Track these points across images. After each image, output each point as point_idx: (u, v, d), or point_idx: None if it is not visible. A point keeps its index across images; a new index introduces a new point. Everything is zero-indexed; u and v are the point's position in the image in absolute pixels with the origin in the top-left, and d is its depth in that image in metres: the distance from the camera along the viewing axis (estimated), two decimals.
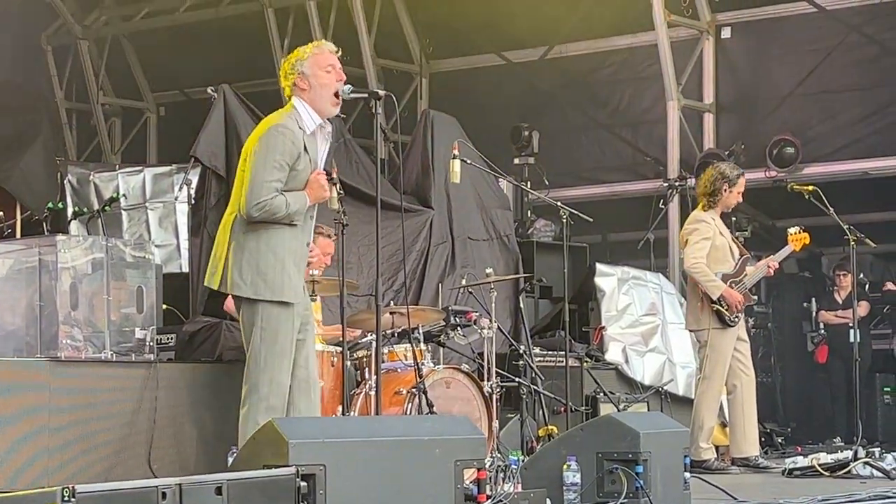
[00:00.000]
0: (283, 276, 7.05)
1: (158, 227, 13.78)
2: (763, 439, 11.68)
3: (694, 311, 10.48)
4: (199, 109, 12.90)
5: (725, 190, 10.43)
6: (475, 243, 11.92)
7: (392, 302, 9.89)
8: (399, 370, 8.81)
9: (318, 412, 7.31)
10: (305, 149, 7.08)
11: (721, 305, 10.20)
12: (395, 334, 9.06)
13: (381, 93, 7.31)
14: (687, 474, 7.83)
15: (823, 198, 10.78)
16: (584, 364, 11.66)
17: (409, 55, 17.09)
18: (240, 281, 7.07)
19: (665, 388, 12.26)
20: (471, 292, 10.32)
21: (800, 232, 10.73)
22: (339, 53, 7.35)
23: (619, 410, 10.99)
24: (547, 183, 14.64)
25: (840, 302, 14.35)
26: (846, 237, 10.90)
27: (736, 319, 10.27)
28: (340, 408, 8.12)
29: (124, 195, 13.54)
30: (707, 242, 10.34)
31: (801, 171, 14.35)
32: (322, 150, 7.28)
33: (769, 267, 10.56)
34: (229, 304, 9.00)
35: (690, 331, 10.89)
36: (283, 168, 7.01)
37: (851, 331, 12.31)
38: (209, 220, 9.85)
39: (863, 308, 13.64)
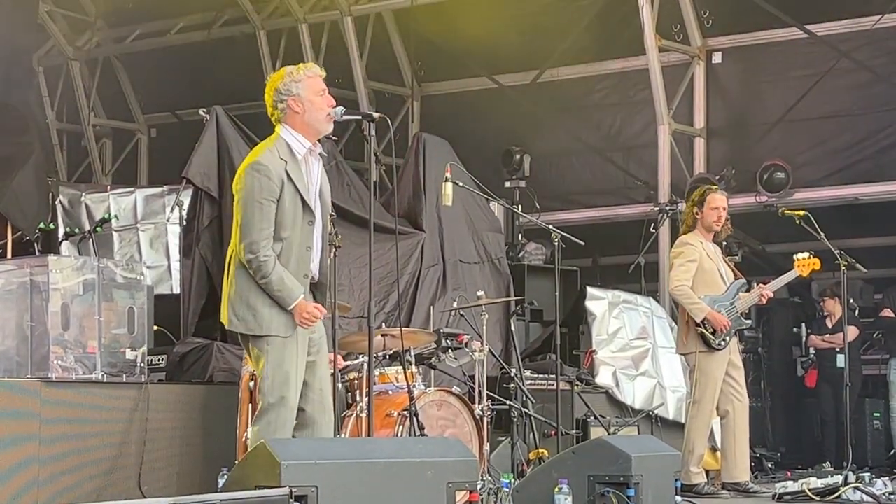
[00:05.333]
0: (272, 311, 7.02)
1: (149, 248, 13.78)
2: (753, 464, 11.67)
3: (682, 334, 10.47)
4: (190, 131, 12.91)
5: (697, 213, 10.42)
6: (466, 266, 11.93)
7: (384, 324, 9.89)
8: (390, 392, 8.81)
9: (330, 435, 7.27)
10: (289, 177, 7.03)
11: (705, 328, 10.17)
12: (387, 356, 9.06)
13: (376, 115, 7.29)
14: (678, 498, 7.85)
15: (814, 223, 10.79)
16: (575, 387, 11.66)
17: (401, 78, 17.11)
18: (233, 317, 7.09)
19: (655, 411, 12.26)
20: (462, 315, 10.32)
21: (810, 257, 10.69)
22: (324, 75, 7.33)
23: (609, 434, 10.99)
24: (538, 206, 14.64)
25: (830, 327, 14.36)
26: (837, 262, 10.91)
27: (722, 343, 10.22)
28: None
29: (115, 216, 13.53)
30: (692, 265, 10.31)
31: (792, 197, 14.36)
32: (315, 171, 7.23)
33: (762, 295, 10.51)
34: None
35: (680, 354, 10.89)
36: (268, 205, 6.99)
37: (840, 356, 12.35)
38: (201, 242, 9.85)
39: (851, 332, 13.66)
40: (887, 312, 13.82)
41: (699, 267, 10.32)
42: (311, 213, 7.13)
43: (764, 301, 10.65)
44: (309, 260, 7.14)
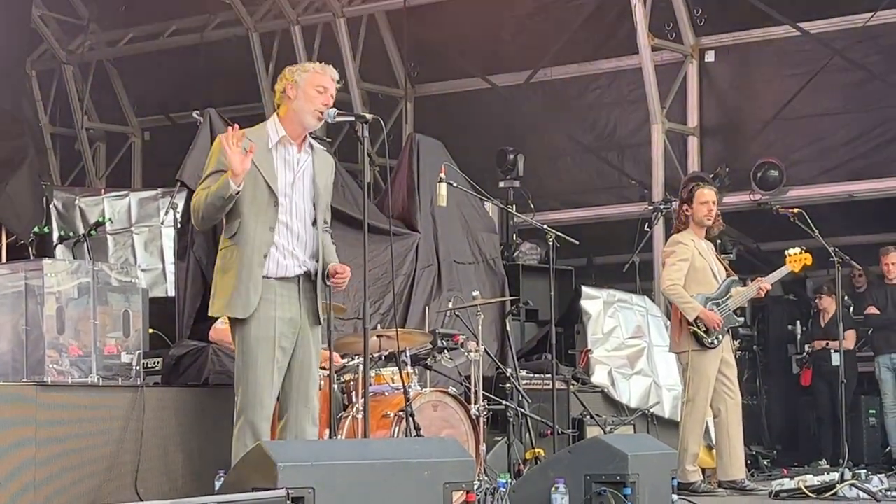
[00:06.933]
0: (233, 293, 7.08)
1: (144, 251, 13.78)
2: (749, 462, 11.68)
3: (675, 333, 10.48)
4: (183, 134, 12.91)
5: (687, 210, 10.42)
6: (461, 266, 11.91)
7: (379, 325, 9.88)
8: (386, 393, 8.79)
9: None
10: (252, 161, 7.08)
11: (698, 327, 10.17)
12: (382, 357, 9.05)
13: (369, 116, 7.30)
14: (675, 496, 7.85)
15: (809, 220, 10.80)
16: (571, 387, 11.67)
17: (394, 79, 17.12)
18: (212, 301, 7.26)
19: (651, 410, 12.26)
20: (457, 315, 10.31)
21: (801, 252, 10.70)
22: (340, 84, 7.37)
23: (605, 433, 11.00)
24: (532, 206, 14.64)
25: (822, 325, 14.34)
26: (831, 260, 10.92)
27: (715, 342, 10.22)
28: (328, 431, 8.12)
29: (110, 219, 13.53)
30: (684, 264, 10.31)
31: (786, 194, 14.39)
32: (301, 161, 7.26)
33: (760, 288, 10.53)
34: (213, 333, 9.07)
35: (673, 353, 10.89)
36: (217, 173, 7.06)
37: (835, 354, 12.35)
38: (196, 244, 9.83)
39: (850, 339, 13.70)
40: (872, 310, 13.81)
41: (691, 265, 10.33)
42: (274, 195, 7.14)
43: (762, 294, 10.67)
44: (271, 239, 7.14)
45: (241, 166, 6.92)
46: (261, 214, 7.12)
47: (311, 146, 7.32)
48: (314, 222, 7.27)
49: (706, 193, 10.43)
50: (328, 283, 7.35)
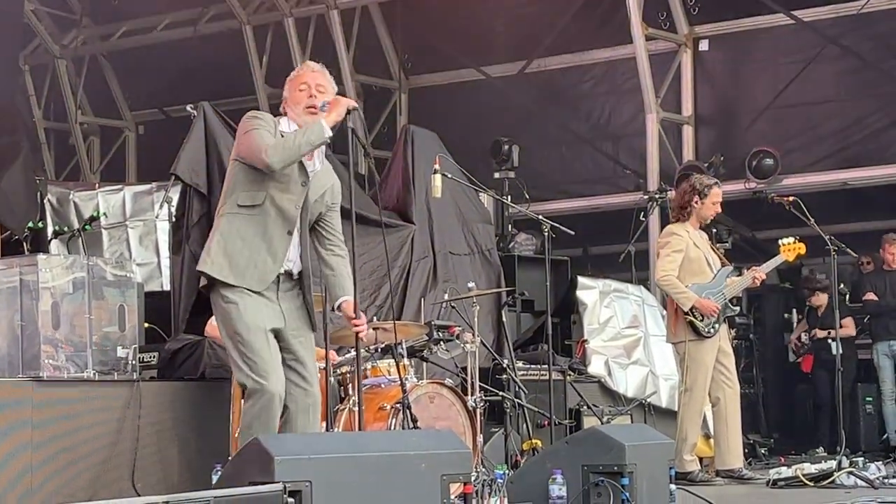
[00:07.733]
0: (249, 263, 6.95)
1: (139, 245, 13.75)
2: (746, 450, 11.68)
3: (671, 323, 10.48)
4: (177, 127, 12.88)
5: (696, 202, 10.39)
6: (457, 258, 11.90)
7: (375, 317, 9.87)
8: (383, 385, 8.79)
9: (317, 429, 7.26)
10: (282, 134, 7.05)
11: (694, 316, 10.18)
12: (379, 349, 9.04)
13: (351, 104, 7.22)
14: (672, 486, 7.84)
15: (804, 208, 10.80)
16: (568, 377, 11.65)
17: (388, 71, 17.11)
18: (207, 258, 7.01)
19: (648, 400, 12.25)
20: (453, 307, 10.31)
21: (795, 242, 10.70)
22: (320, 68, 7.34)
23: (602, 423, 11.00)
24: (527, 197, 14.65)
25: (819, 316, 14.32)
26: (827, 247, 10.91)
27: (711, 330, 10.23)
28: (324, 424, 8.10)
29: (104, 214, 13.50)
30: (679, 255, 10.31)
31: (781, 183, 14.39)
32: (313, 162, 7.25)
33: (754, 278, 10.53)
34: (209, 328, 9.04)
35: (670, 343, 10.88)
36: (264, 130, 6.93)
37: (833, 342, 12.32)
38: (191, 238, 9.83)
39: (850, 326, 13.68)
40: (871, 296, 13.79)
41: (686, 256, 10.33)
42: (305, 174, 7.09)
43: (757, 283, 10.67)
44: (294, 221, 7.08)
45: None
46: (288, 191, 7.03)
47: (321, 162, 7.28)
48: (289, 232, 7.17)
49: (719, 193, 10.47)
50: (337, 312, 7.33)
